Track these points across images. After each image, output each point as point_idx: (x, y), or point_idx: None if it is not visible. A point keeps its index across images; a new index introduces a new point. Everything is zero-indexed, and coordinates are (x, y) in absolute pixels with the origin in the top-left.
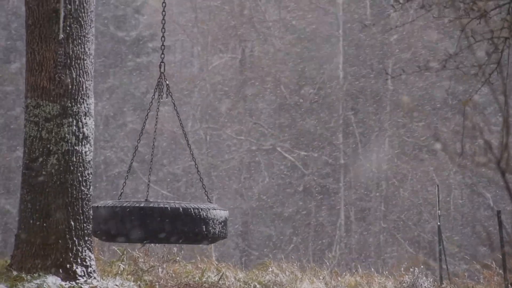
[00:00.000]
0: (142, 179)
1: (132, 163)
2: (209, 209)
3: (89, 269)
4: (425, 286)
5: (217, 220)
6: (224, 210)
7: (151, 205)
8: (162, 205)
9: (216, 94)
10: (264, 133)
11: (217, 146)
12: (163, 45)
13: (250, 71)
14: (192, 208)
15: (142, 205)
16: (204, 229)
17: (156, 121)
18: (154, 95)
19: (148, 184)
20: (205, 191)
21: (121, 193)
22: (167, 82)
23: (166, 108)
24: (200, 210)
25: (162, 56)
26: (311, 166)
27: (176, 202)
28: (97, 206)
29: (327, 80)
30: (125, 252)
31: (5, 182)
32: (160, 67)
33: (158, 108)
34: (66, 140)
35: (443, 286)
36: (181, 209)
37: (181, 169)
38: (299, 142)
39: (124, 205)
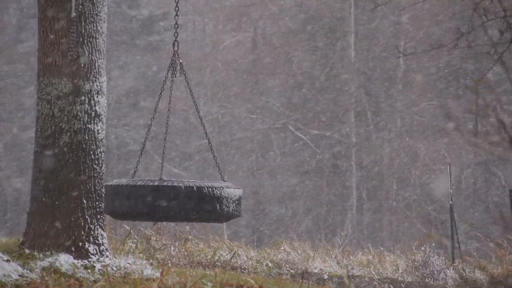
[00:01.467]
0: (153, 158)
1: (145, 142)
2: (223, 188)
3: (102, 247)
4: (437, 265)
5: (231, 199)
6: (238, 188)
7: (165, 183)
8: (176, 184)
9: (228, 73)
10: (276, 112)
11: (229, 124)
12: (176, 23)
13: (262, 50)
14: (206, 187)
15: (156, 183)
16: (218, 208)
17: (170, 100)
18: (167, 73)
19: (162, 163)
20: (219, 169)
21: (135, 171)
22: (181, 60)
23: (178, 86)
24: (214, 188)
25: (176, 34)
26: (323, 145)
27: (190, 180)
28: (111, 185)
29: (339, 59)
30: (131, 231)
31: (17, 161)
32: (174, 46)
33: (171, 87)
34: (78, 118)
35: (455, 264)
36: (195, 187)
37: (193, 147)
38: (311, 121)
39: (139, 183)
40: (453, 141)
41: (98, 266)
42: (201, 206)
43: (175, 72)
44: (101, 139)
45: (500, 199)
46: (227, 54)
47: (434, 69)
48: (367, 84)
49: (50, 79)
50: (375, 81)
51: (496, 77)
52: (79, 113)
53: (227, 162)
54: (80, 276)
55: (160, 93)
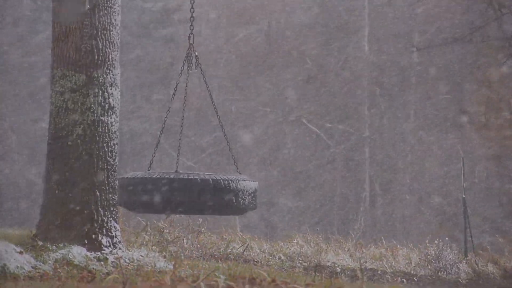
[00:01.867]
0: (166, 150)
1: (161, 135)
2: (239, 181)
3: (115, 240)
4: (450, 259)
5: (246, 191)
6: (253, 181)
7: (181, 176)
8: (192, 177)
9: (241, 66)
10: (290, 105)
11: (242, 117)
12: (192, 16)
13: (276, 43)
14: (222, 180)
15: (172, 176)
16: (234, 200)
17: (186, 93)
18: (183, 66)
19: (178, 156)
20: (235, 162)
21: (150, 164)
22: (196, 53)
23: (190, 79)
24: (230, 181)
25: (191, 27)
26: (336, 138)
27: (206, 173)
28: (127, 177)
29: (352, 52)
30: (148, 224)
31: (30, 153)
32: (189, 39)
33: (187, 79)
34: (92, 110)
35: (467, 258)
36: (211, 180)
37: (206, 140)
38: (325, 114)
39: (155, 176)
40: (466, 134)
41: (111, 258)
42: (217, 199)
43: (191, 65)
44: (115, 131)
45: None
46: (241, 47)
47: (447, 63)
48: (381, 77)
49: (64, 71)
50: (388, 74)
51: (509, 71)
52: (92, 105)
53: (240, 155)
54: (93, 268)
55: (176, 86)
